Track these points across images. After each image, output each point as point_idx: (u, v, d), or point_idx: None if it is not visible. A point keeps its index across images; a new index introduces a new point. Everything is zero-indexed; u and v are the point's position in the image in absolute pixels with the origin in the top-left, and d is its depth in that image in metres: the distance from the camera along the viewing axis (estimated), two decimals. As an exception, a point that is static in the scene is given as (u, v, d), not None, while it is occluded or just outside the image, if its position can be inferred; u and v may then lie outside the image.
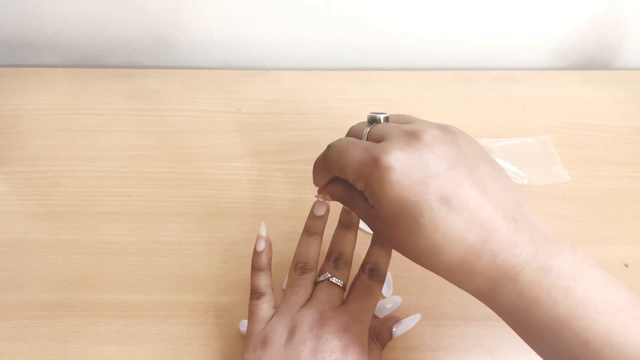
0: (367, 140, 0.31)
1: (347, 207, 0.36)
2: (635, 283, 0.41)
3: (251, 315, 0.34)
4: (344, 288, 0.35)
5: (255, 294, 0.35)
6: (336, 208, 0.37)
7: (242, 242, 0.44)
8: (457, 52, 0.63)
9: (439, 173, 0.27)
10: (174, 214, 0.46)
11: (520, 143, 0.52)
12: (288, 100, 0.57)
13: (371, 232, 0.45)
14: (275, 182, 0.49)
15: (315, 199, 0.36)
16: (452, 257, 0.26)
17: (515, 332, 0.27)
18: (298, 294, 0.34)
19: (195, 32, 0.60)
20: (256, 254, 0.35)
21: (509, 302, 0.26)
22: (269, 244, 0.36)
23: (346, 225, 0.36)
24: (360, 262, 0.35)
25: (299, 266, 0.35)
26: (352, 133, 0.33)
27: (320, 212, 0.36)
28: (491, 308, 0.27)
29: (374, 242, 0.36)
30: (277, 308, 0.34)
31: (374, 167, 0.27)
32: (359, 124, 0.34)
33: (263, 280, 0.35)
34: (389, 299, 0.40)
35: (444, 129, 0.29)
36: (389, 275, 0.41)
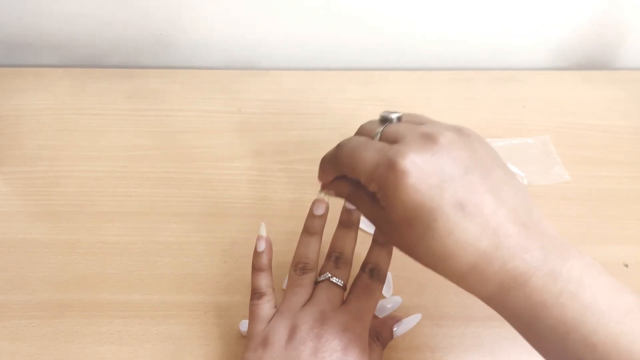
0: (379, 140, 0.30)
1: (347, 207, 0.36)
2: (635, 283, 0.41)
3: (252, 315, 0.34)
4: (344, 288, 0.35)
5: (255, 294, 0.35)
6: (336, 209, 0.37)
7: (242, 242, 0.44)
8: (457, 52, 0.63)
9: (454, 178, 0.26)
10: (174, 214, 0.46)
11: (520, 143, 0.52)
12: (288, 100, 0.57)
13: (371, 232, 0.45)
14: (275, 182, 0.49)
15: (317, 197, 0.36)
16: (464, 262, 0.26)
17: (522, 336, 0.27)
18: (298, 294, 0.34)
19: (195, 32, 0.60)
20: (256, 254, 0.35)
21: (518, 306, 0.26)
22: (269, 245, 0.36)
23: (347, 225, 0.36)
24: (361, 262, 0.35)
25: (299, 266, 0.35)
26: (364, 132, 0.32)
27: (320, 211, 0.36)
28: (499, 312, 0.27)
29: (375, 242, 0.36)
30: (277, 308, 0.34)
31: (389, 170, 0.27)
32: (370, 122, 0.33)
33: (263, 281, 0.35)
34: (389, 299, 0.40)
35: (459, 131, 0.29)
36: (389, 275, 0.41)
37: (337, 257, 0.35)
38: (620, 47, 0.63)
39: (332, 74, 0.60)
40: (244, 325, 0.38)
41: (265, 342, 0.32)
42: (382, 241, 0.35)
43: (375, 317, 0.38)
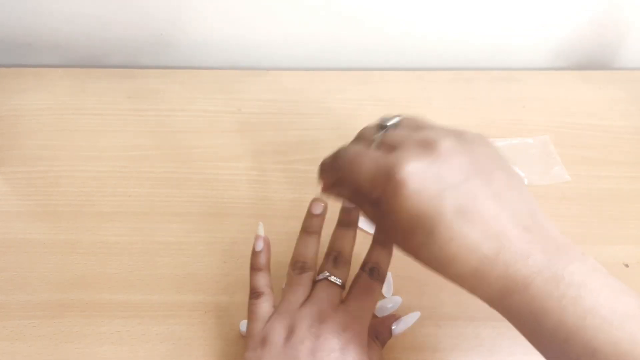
0: (378, 146, 0.30)
1: (346, 206, 0.36)
2: (635, 283, 0.41)
3: (251, 315, 0.34)
4: (343, 287, 0.35)
5: (254, 294, 0.35)
6: (335, 209, 0.37)
7: (242, 242, 0.44)
8: (457, 52, 0.63)
9: (454, 185, 0.26)
10: (174, 214, 0.46)
11: (520, 143, 0.52)
12: (288, 100, 0.57)
13: (371, 232, 0.45)
14: (275, 182, 0.49)
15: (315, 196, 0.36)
16: (466, 267, 0.26)
17: (527, 339, 0.27)
18: (297, 293, 0.34)
19: (195, 32, 0.60)
20: (255, 254, 0.35)
21: (520, 310, 0.26)
22: (268, 244, 0.36)
23: (345, 224, 0.36)
24: (360, 261, 0.35)
25: (297, 265, 0.35)
26: (362, 137, 0.32)
27: (318, 210, 0.36)
28: (502, 314, 0.27)
29: (375, 241, 0.36)
30: (276, 307, 0.34)
31: (388, 180, 0.27)
32: (369, 127, 0.33)
33: (262, 280, 0.35)
34: (389, 299, 0.40)
35: (460, 135, 0.28)
36: (389, 275, 0.41)
37: (336, 257, 0.35)
38: (620, 47, 0.63)
39: (332, 74, 0.60)
40: (243, 325, 0.38)
41: (264, 342, 0.32)
42: (383, 241, 0.35)
43: (374, 316, 0.38)
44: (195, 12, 0.58)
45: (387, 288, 0.41)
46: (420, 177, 0.26)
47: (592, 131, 0.54)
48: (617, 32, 0.61)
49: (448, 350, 0.38)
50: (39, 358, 0.38)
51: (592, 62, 0.64)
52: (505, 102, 0.57)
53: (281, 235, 0.43)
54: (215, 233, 0.45)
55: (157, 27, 0.59)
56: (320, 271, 0.35)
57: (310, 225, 0.36)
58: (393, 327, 0.36)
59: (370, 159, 0.29)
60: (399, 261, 0.43)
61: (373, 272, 0.34)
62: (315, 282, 0.35)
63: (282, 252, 0.38)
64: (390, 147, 0.29)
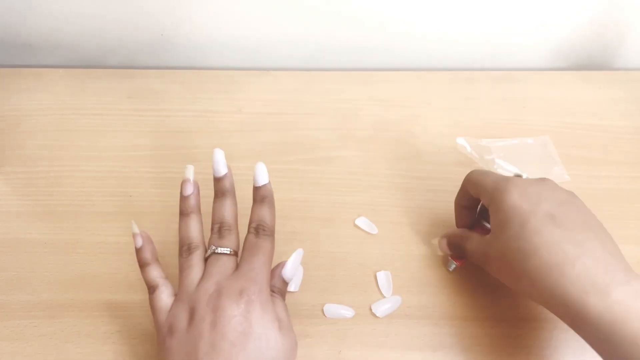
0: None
1: (216, 176, 0.39)
2: (636, 283, 0.41)
3: (152, 309, 0.34)
4: (235, 254, 0.35)
5: (150, 288, 0.35)
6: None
7: (241, 242, 0.44)
8: (457, 52, 0.63)
9: (550, 199, 0.33)
10: (174, 214, 0.46)
11: (520, 143, 0.52)
12: (288, 100, 0.57)
13: (371, 232, 0.45)
14: (275, 182, 0.49)
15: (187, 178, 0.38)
16: (547, 260, 0.30)
17: (593, 347, 0.29)
18: (190, 274, 0.34)
19: (195, 32, 0.60)
20: (137, 251, 0.36)
21: (598, 314, 0.28)
22: (147, 238, 0.36)
23: (220, 194, 0.38)
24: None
25: (184, 249, 0.36)
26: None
27: (189, 191, 0.37)
28: (573, 321, 0.30)
29: (254, 200, 0.37)
30: (176, 295, 0.34)
31: (503, 185, 0.35)
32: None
33: (153, 273, 0.35)
34: (389, 298, 0.40)
35: (571, 193, 0.35)
36: (389, 274, 0.41)
37: (219, 228, 0.36)
38: (620, 47, 0.63)
39: (332, 74, 0.60)
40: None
41: (170, 331, 0.32)
42: (261, 199, 0.37)
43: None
44: (195, 12, 0.58)
45: (386, 288, 0.41)
46: (527, 185, 0.34)
47: (592, 131, 0.54)
48: (617, 32, 0.61)
49: (448, 350, 0.38)
50: (39, 358, 0.38)
51: (592, 63, 0.64)
52: (505, 102, 0.57)
53: (281, 235, 0.43)
54: (215, 233, 0.45)
55: (157, 27, 0.59)
56: (208, 247, 0.36)
57: (186, 207, 0.37)
58: (282, 274, 0.36)
59: (493, 175, 0.37)
60: (399, 261, 0.43)
61: (258, 229, 0.35)
62: (205, 260, 0.35)
63: (283, 252, 0.38)
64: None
